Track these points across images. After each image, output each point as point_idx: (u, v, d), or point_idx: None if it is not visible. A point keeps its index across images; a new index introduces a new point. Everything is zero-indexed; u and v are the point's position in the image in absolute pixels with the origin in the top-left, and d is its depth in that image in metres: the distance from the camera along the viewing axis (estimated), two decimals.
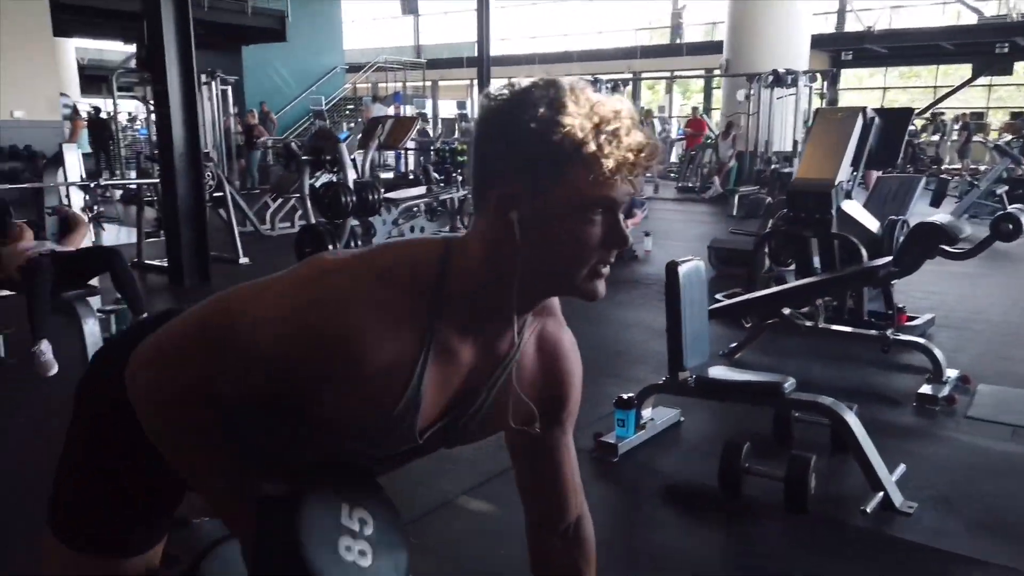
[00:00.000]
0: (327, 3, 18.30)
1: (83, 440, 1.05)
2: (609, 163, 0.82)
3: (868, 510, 2.41)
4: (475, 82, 16.55)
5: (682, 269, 2.79)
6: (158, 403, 0.92)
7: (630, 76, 17.82)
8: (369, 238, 7.02)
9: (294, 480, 0.96)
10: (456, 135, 15.46)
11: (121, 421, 0.99)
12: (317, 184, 6.18)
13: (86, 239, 4.71)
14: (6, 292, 4.22)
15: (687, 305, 2.79)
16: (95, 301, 4.41)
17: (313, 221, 5.85)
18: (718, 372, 2.96)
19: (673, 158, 14.90)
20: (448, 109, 19.83)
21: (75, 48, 17.49)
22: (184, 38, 5.71)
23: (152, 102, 6.51)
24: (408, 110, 16.20)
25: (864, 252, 3.85)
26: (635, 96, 19.39)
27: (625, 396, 2.93)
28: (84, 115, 11.79)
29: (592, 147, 0.82)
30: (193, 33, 5.74)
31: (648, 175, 0.93)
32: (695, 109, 16.45)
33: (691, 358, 2.82)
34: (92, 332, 3.86)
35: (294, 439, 1.00)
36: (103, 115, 13.36)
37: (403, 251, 0.95)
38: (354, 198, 5.31)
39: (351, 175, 5.44)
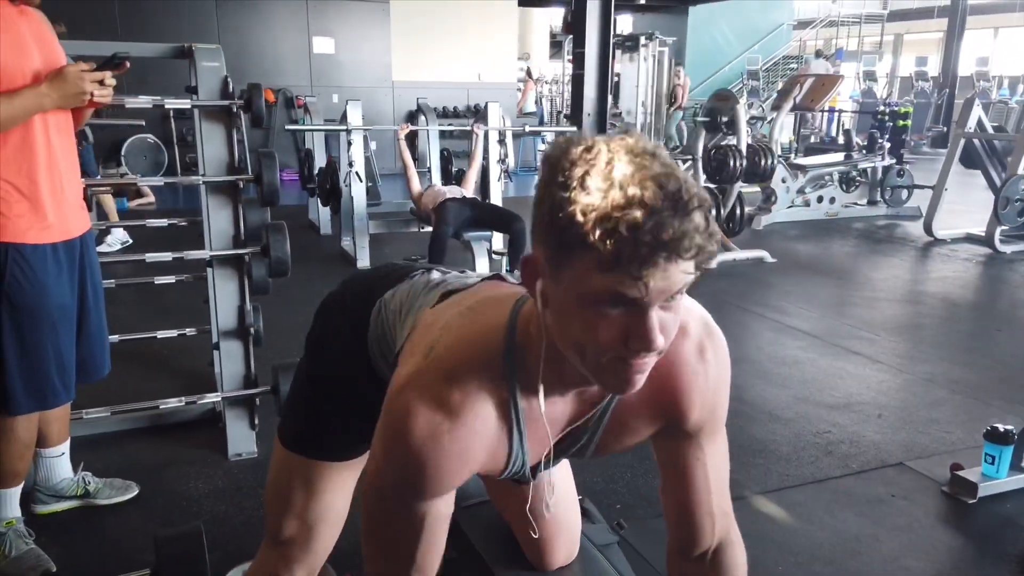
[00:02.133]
0: None
1: (310, 351, 1.21)
2: (613, 256, 0.69)
3: None
4: (944, 35, 14.25)
5: None
6: None
7: None
8: (769, 205, 6.67)
9: None
10: (910, 96, 13.57)
11: (341, 345, 1.14)
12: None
13: (498, 189, 5.36)
14: (428, 228, 5.04)
15: None
16: (495, 241, 5.03)
17: (702, 184, 5.73)
18: None
19: None
20: (908, 67, 17.44)
21: (549, 17, 19.49)
22: (606, 4, 5.99)
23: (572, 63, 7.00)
24: (849, 68, 14.65)
25: None
26: None
27: (1002, 428, 2.33)
28: (533, 79, 13.16)
29: (594, 235, 0.69)
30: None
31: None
32: None
33: None
34: (483, 270, 4.42)
35: None
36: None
37: (470, 328, 0.90)
38: (744, 163, 5.04)
39: (744, 139, 5.16)
